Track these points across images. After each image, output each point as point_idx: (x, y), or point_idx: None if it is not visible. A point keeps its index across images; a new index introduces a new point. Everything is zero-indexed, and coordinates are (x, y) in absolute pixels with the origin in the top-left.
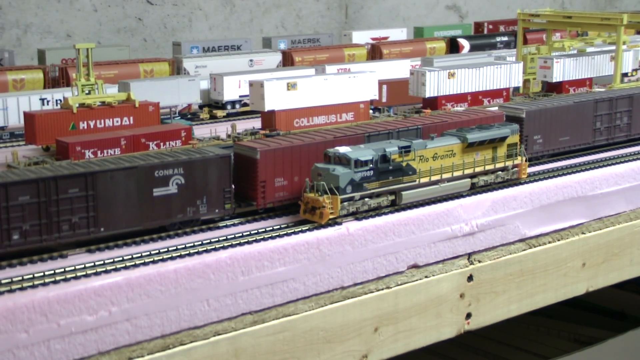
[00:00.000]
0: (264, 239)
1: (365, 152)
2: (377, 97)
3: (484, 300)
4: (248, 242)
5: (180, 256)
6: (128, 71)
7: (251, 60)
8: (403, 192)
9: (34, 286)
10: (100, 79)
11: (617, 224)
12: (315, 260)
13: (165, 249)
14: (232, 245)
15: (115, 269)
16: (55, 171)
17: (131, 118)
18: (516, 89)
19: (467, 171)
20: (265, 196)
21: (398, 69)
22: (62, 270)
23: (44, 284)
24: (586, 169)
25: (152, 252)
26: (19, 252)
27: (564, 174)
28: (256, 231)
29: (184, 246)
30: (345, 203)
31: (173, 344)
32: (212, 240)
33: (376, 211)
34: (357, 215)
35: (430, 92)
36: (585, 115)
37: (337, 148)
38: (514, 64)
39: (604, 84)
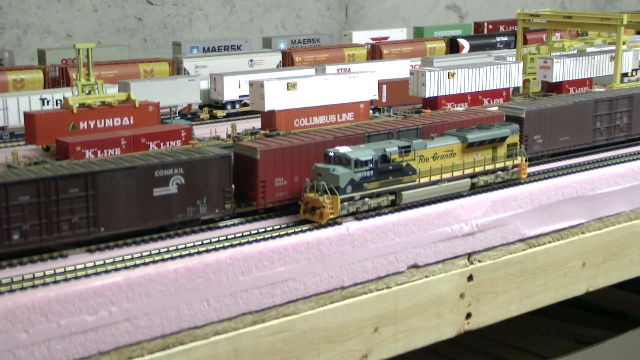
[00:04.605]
0: (264, 239)
1: (365, 152)
2: (377, 97)
3: (484, 300)
4: (248, 242)
5: (180, 256)
6: (128, 71)
7: (251, 60)
8: (403, 192)
9: (34, 286)
10: (100, 79)
11: (617, 224)
12: (315, 260)
13: (165, 249)
14: (232, 245)
15: (115, 269)
16: (55, 171)
17: (131, 118)
18: (516, 89)
19: (467, 171)
20: (265, 196)
21: (398, 69)
22: (62, 270)
23: (44, 284)
24: (586, 169)
25: (152, 252)
26: (19, 252)
27: (564, 174)
28: (256, 231)
29: (184, 246)
30: (345, 203)
31: (173, 343)
32: (212, 240)
33: (376, 211)
34: (357, 215)
35: (430, 92)
36: (585, 115)
37: (337, 148)
38: (514, 64)
39: (604, 84)
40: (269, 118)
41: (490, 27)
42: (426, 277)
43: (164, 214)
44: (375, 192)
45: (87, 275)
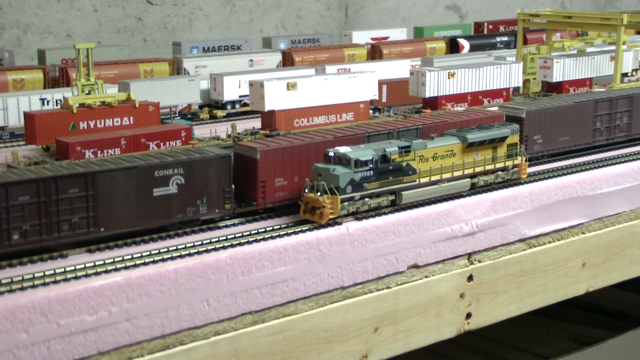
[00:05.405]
0: (264, 239)
1: (365, 152)
2: (377, 97)
3: (484, 300)
4: (248, 242)
5: (180, 256)
6: (128, 71)
7: (251, 60)
8: (403, 192)
9: (34, 286)
10: (100, 79)
11: (617, 224)
12: (315, 260)
13: (165, 249)
14: (232, 245)
15: (115, 269)
16: (55, 171)
17: (131, 118)
18: (516, 89)
19: (467, 171)
20: (265, 196)
21: (398, 69)
22: (62, 270)
23: (44, 284)
24: (586, 169)
25: (152, 252)
26: (19, 252)
27: (564, 174)
28: (256, 231)
29: (184, 246)
30: (345, 203)
31: (173, 344)
32: (212, 240)
33: (376, 211)
34: (357, 215)
35: (430, 92)
36: (585, 115)
37: (337, 148)
38: (514, 64)
39: (604, 84)
40: (269, 118)
41: (490, 27)
42: (426, 277)
43: (164, 214)
44: (375, 192)
45: (87, 275)
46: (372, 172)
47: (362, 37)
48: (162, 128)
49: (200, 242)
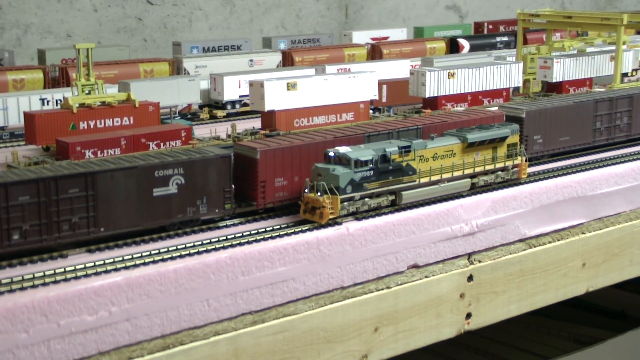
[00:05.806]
0: (264, 239)
1: (365, 152)
2: (377, 97)
3: (484, 300)
4: (248, 242)
5: (180, 256)
6: (128, 71)
7: (251, 60)
8: (403, 192)
9: (34, 286)
10: (100, 79)
11: (617, 224)
12: (315, 260)
13: (165, 249)
14: (232, 245)
15: (115, 269)
16: (55, 171)
17: (131, 118)
18: (516, 89)
19: (467, 171)
20: (265, 196)
21: (398, 69)
22: (62, 270)
23: (44, 284)
24: (586, 169)
25: (152, 252)
26: (19, 252)
27: (564, 174)
28: (256, 231)
29: (184, 246)
30: (345, 203)
31: (173, 344)
32: (212, 240)
33: (376, 211)
34: (357, 215)
35: (430, 92)
36: (585, 115)
37: (337, 148)
38: (514, 64)
39: (604, 84)
40: (269, 118)
41: (490, 27)
42: (426, 277)
43: (164, 214)
44: (375, 192)
45: (87, 275)
46: (372, 172)
47: (362, 37)
48: (162, 128)
49: (200, 242)
